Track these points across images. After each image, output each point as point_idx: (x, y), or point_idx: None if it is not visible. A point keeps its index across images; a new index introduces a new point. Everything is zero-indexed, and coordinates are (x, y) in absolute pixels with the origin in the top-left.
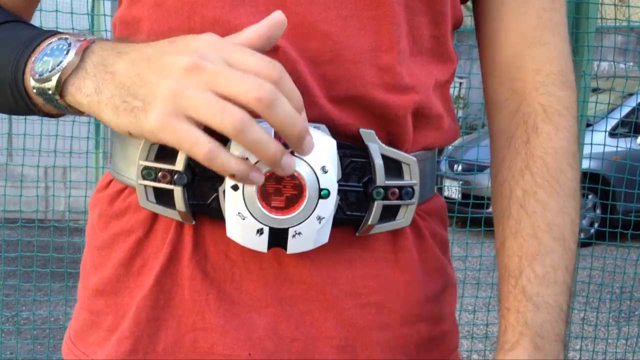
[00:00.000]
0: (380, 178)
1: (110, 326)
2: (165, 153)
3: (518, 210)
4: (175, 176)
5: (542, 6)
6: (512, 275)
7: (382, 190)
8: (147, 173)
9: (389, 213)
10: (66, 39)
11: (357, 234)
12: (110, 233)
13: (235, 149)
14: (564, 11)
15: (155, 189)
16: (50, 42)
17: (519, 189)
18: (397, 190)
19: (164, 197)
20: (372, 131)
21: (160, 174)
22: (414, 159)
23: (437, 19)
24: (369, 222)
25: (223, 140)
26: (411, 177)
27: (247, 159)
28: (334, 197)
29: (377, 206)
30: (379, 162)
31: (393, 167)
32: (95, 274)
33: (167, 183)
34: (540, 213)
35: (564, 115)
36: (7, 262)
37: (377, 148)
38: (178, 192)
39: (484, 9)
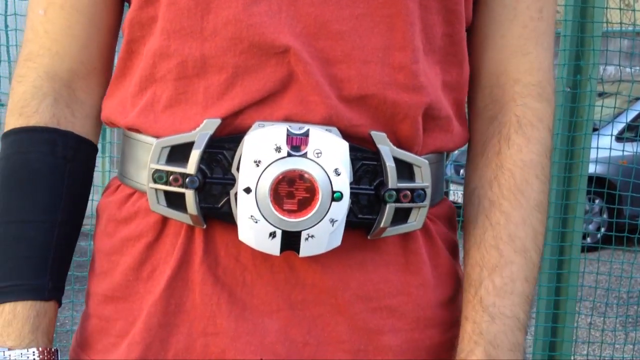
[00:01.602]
0: (393, 181)
1: (121, 332)
2: (177, 156)
3: (484, 220)
4: (187, 179)
5: (529, 15)
6: (472, 285)
7: (394, 193)
8: (159, 176)
9: (401, 216)
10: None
11: (368, 237)
12: (119, 238)
13: (249, 151)
14: (551, 21)
15: (166, 192)
16: None
17: (487, 199)
18: (409, 192)
19: (175, 201)
20: (384, 134)
21: (171, 177)
22: (426, 161)
23: (451, 18)
24: (381, 225)
25: (234, 138)
26: (423, 179)
27: (260, 162)
28: (346, 200)
29: (389, 209)
30: (391, 165)
31: (404, 170)
32: (104, 280)
33: (179, 186)
34: (504, 225)
35: (537, 127)
36: None
37: (388, 150)
38: (190, 195)
39: (474, 12)
